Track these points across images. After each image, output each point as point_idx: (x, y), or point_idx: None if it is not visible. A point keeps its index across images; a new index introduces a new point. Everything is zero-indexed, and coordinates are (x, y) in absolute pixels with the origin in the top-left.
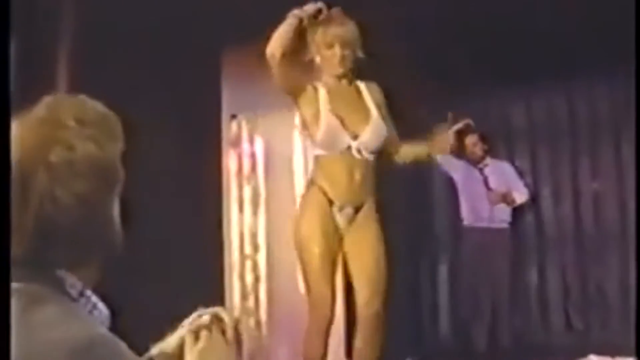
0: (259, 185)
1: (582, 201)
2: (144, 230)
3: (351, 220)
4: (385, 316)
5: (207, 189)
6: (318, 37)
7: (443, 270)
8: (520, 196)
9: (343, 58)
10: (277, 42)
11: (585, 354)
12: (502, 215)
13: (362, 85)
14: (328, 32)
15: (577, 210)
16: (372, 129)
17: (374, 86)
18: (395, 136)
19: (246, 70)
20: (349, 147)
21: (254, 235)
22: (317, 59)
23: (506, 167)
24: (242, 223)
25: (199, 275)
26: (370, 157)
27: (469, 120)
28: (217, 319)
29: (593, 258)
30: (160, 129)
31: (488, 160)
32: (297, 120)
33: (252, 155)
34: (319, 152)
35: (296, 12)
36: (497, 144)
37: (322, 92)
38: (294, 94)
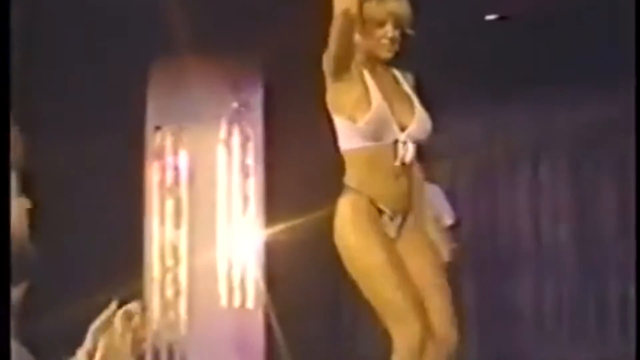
0: (182, 198)
1: (500, 223)
2: (63, 240)
3: (400, 230)
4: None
5: (129, 201)
6: (369, 10)
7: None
8: (448, 219)
9: (393, 40)
10: (340, 40)
11: None
12: None
13: (397, 72)
14: (383, 6)
15: (494, 231)
16: (419, 120)
17: (409, 76)
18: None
19: (172, 82)
20: (396, 141)
21: (175, 248)
22: (357, 36)
23: (436, 190)
24: (163, 236)
25: (119, 287)
26: (411, 154)
27: None
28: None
29: (509, 277)
30: (85, 139)
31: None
32: (221, 133)
33: (176, 168)
34: (358, 144)
35: None
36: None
37: (367, 74)
38: (343, 69)
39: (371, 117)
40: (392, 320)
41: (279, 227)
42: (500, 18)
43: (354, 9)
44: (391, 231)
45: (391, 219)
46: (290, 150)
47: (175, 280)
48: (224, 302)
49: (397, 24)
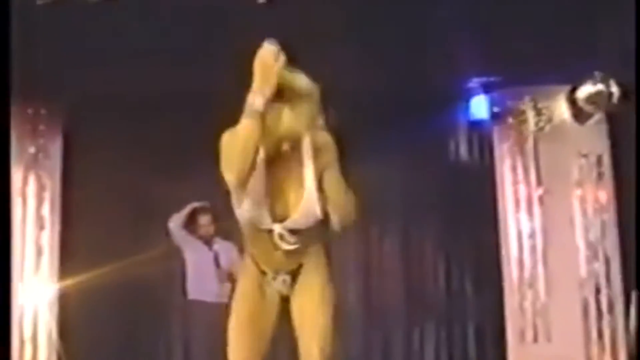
0: None
1: None
2: None
3: (293, 284)
4: None
5: None
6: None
7: (162, 342)
8: None
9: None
10: (243, 163)
11: None
12: (227, 291)
13: (306, 140)
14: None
15: None
16: (301, 214)
17: (325, 140)
18: (338, 203)
19: None
20: (271, 231)
21: None
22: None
23: (232, 247)
24: None
25: None
26: (286, 246)
27: (206, 202)
28: None
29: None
30: None
31: (218, 239)
32: (16, 181)
33: None
34: (241, 221)
35: (257, 102)
36: None
37: (261, 154)
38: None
39: (244, 211)
40: None
41: (74, 279)
42: None
43: (247, 178)
44: (281, 288)
45: (274, 278)
46: (89, 200)
47: None
48: (15, 356)
49: None
